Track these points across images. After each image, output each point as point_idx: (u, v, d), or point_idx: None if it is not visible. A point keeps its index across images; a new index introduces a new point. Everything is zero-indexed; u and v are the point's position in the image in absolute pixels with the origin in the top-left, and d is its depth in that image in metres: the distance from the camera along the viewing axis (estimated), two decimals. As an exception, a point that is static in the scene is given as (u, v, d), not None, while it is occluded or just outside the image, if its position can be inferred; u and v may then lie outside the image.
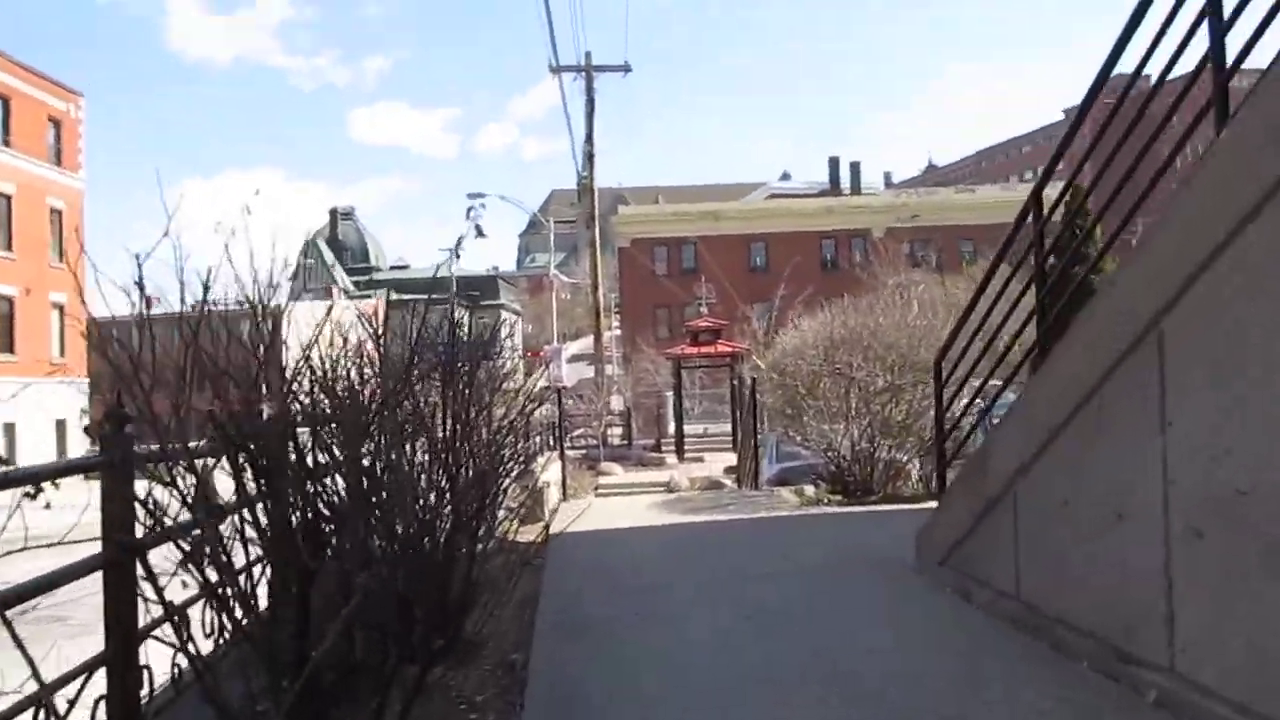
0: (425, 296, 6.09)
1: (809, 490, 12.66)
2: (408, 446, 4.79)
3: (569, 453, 34.03)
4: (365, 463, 4.36)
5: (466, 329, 6.75)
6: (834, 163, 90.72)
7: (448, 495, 5.20)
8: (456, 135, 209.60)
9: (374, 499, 4.41)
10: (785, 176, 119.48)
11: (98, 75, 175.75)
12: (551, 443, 17.00)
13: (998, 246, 6.92)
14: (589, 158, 38.46)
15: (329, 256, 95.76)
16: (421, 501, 4.94)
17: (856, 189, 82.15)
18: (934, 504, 11.19)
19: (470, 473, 5.35)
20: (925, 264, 42.91)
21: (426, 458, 5.04)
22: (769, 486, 14.07)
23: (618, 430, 39.40)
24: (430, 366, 5.36)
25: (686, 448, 32.65)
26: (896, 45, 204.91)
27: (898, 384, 10.96)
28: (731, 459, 29.00)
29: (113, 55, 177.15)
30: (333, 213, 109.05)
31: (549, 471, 17.30)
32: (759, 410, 14.45)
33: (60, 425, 42.81)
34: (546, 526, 11.74)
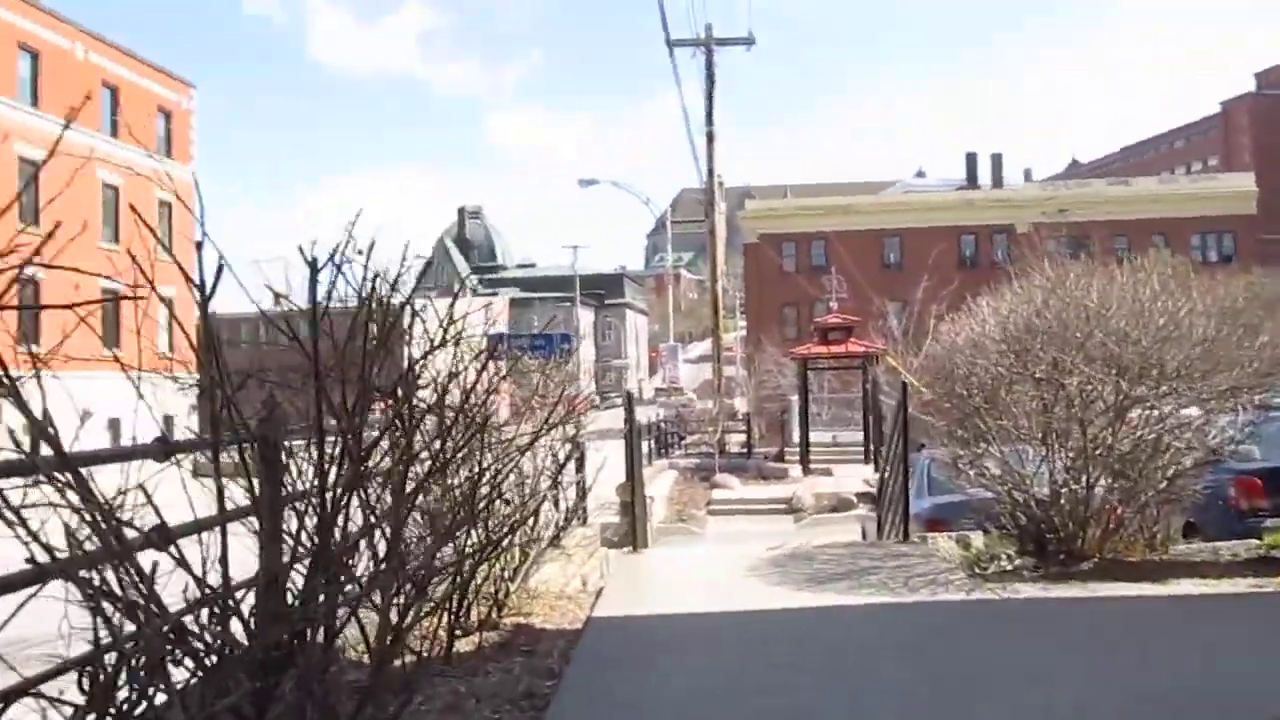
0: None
1: (976, 542, 9.08)
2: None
3: (680, 462, 30.88)
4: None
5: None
6: (971, 158, 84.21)
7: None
8: (589, 138, 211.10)
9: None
10: (920, 174, 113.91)
11: (243, 84, 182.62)
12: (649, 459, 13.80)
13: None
14: (709, 139, 35.40)
15: (456, 255, 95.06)
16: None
17: (997, 184, 76.24)
18: (1202, 584, 7.44)
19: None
20: (1085, 257, 38.11)
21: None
22: (919, 532, 10.54)
23: (737, 437, 35.79)
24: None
25: (813, 458, 28.91)
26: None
27: (1130, 395, 7.35)
28: (863, 471, 25.18)
29: (254, 63, 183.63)
30: (461, 211, 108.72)
31: (656, 485, 14.07)
32: (907, 425, 10.96)
33: (168, 421, 41.74)
34: (598, 594, 8.21)
